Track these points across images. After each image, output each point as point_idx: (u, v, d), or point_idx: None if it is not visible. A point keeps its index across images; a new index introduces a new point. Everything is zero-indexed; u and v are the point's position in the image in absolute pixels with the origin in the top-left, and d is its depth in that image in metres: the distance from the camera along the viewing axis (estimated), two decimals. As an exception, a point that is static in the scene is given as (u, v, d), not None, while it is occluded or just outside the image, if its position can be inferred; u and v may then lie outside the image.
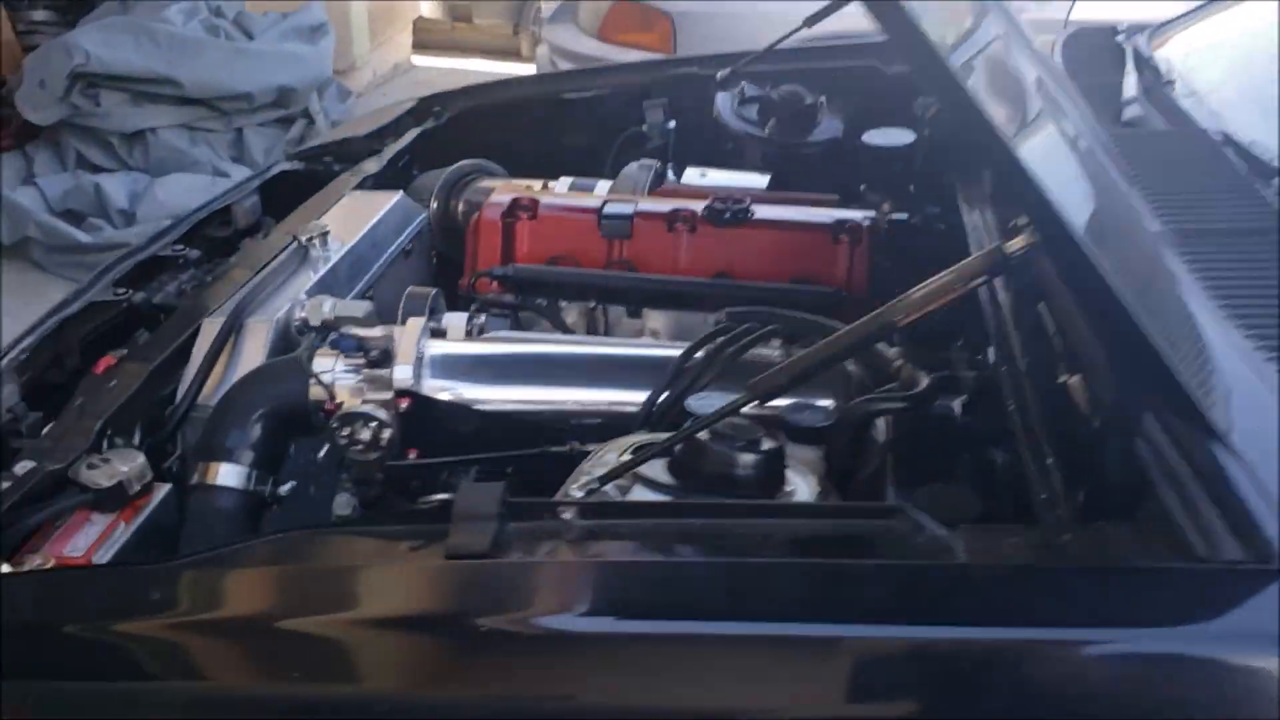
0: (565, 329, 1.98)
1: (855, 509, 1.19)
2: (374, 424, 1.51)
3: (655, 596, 1.01)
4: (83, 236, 4.47)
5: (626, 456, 1.34)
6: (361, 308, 1.87)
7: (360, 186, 2.44)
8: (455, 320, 1.80)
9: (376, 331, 1.60)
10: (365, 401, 1.53)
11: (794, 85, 2.59)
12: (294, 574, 1.14)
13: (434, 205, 2.51)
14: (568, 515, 1.15)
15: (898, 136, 2.45)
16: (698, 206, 2.05)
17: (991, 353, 1.55)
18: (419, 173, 2.74)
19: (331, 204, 2.31)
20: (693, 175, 2.37)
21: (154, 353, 1.73)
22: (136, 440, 1.63)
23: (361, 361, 1.56)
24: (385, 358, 1.54)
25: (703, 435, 1.27)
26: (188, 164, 4.93)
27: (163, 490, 1.55)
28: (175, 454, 1.68)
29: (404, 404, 1.54)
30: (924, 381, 1.43)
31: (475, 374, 1.59)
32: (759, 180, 2.33)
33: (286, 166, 2.65)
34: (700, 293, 1.95)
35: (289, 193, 2.63)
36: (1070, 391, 1.17)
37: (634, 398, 1.58)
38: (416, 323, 1.64)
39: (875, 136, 2.44)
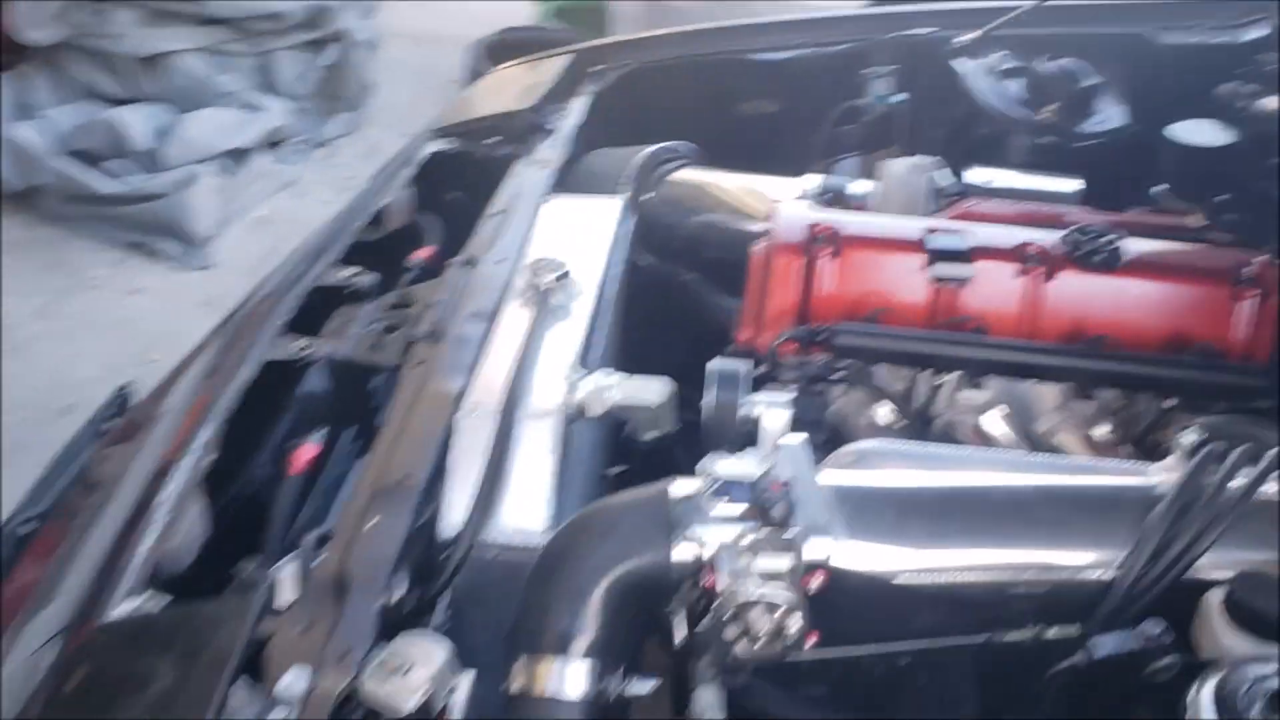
0: (900, 404, 1.52)
1: None
2: (779, 611, 1.07)
3: None
4: (108, 185, 3.85)
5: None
6: (658, 391, 1.41)
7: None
8: (775, 411, 1.32)
9: (755, 464, 1.14)
10: (764, 577, 1.07)
11: (1070, 58, 2.12)
12: None
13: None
14: None
15: (1208, 131, 2.00)
16: (1047, 239, 1.59)
17: None
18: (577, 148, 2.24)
19: (527, 213, 1.82)
20: (977, 177, 1.89)
21: (404, 457, 1.27)
22: (402, 592, 1.18)
23: (744, 514, 1.10)
24: (786, 514, 1.09)
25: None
26: (211, 94, 4.33)
27: (465, 687, 1.10)
28: (446, 605, 1.23)
29: (818, 581, 1.08)
30: None
31: (900, 529, 1.13)
32: (1068, 184, 1.87)
33: (436, 147, 2.13)
34: (1081, 368, 1.50)
35: (439, 177, 2.14)
36: None
37: (1087, 554, 1.14)
38: (803, 451, 1.17)
39: (1184, 131, 1.98)
